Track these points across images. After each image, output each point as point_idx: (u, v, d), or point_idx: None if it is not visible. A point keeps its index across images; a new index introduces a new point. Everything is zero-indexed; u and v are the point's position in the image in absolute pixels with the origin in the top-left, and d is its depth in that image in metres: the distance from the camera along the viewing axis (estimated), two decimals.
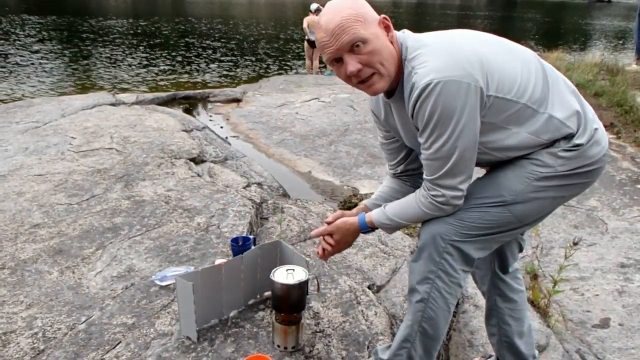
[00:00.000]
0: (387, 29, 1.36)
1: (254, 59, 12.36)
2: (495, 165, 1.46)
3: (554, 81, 1.40)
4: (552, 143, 1.37)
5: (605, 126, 1.49)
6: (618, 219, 3.37)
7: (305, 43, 10.30)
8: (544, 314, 2.40)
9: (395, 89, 1.42)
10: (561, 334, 2.27)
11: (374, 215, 1.55)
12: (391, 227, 1.54)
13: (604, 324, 2.37)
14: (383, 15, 1.37)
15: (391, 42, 1.36)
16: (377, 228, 1.57)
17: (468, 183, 1.40)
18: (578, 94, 1.44)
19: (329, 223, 1.65)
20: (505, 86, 1.32)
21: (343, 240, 1.63)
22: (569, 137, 1.36)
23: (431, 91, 1.26)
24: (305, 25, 10.18)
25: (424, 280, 1.45)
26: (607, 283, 2.66)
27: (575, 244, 2.28)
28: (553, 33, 23.25)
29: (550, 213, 1.51)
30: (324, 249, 1.67)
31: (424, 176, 1.42)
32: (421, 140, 1.36)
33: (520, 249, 1.69)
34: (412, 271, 1.51)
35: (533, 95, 1.34)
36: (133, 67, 10.42)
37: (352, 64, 1.32)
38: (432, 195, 1.39)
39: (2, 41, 12.59)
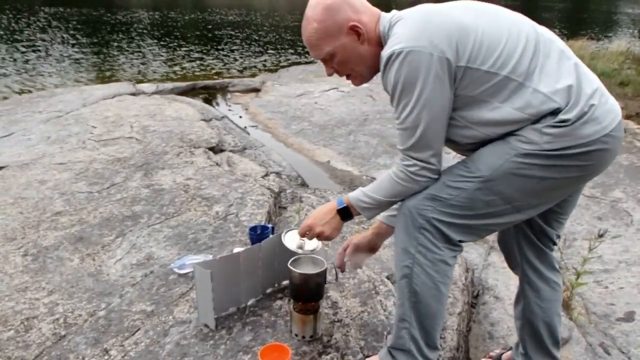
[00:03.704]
0: (357, 35, 1.40)
1: (273, 48, 12.32)
2: (480, 147, 1.40)
3: (547, 53, 1.31)
4: (538, 119, 1.28)
5: (629, 116, 1.42)
6: None
7: None
8: (566, 306, 2.36)
9: None
10: (584, 327, 2.23)
11: (351, 194, 1.54)
12: (368, 206, 1.49)
13: (629, 317, 2.32)
14: (352, 23, 1.39)
15: (366, 41, 1.41)
16: (355, 213, 1.54)
17: (439, 157, 1.39)
18: (580, 66, 1.34)
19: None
20: (480, 56, 1.28)
21: (317, 217, 1.58)
22: (556, 112, 1.26)
23: (393, 61, 1.30)
24: None
25: (405, 255, 1.43)
26: (632, 276, 2.60)
27: (600, 236, 2.23)
28: (577, 21, 22.74)
29: (550, 200, 1.41)
30: (320, 236, 1.63)
31: (397, 146, 1.42)
32: (393, 111, 1.38)
33: (553, 241, 1.62)
34: (395, 246, 1.49)
35: (518, 67, 1.28)
36: (153, 57, 10.48)
37: (327, 70, 1.50)
38: (405, 165, 1.39)
39: (26, 33, 12.75)
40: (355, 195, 1.52)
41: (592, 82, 1.33)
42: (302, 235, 1.65)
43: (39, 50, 10.55)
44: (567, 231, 3.02)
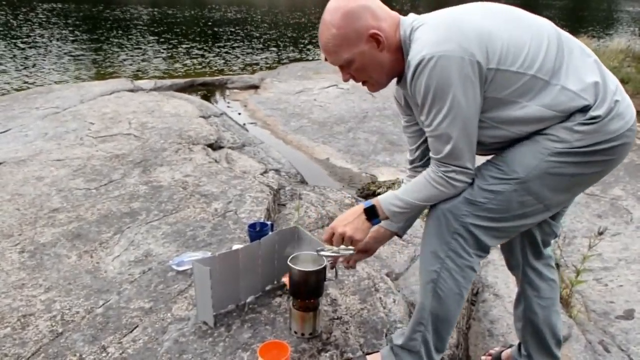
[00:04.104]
0: (377, 42, 1.36)
1: (271, 45, 12.29)
2: (506, 147, 1.40)
3: (570, 51, 1.32)
4: (567, 117, 1.29)
5: None
6: None
7: (323, 59, 10.19)
8: (566, 304, 2.35)
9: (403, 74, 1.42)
10: (583, 325, 2.22)
11: (381, 196, 1.50)
12: (400, 210, 1.46)
13: (628, 315, 2.31)
14: (372, 31, 1.34)
15: (385, 48, 1.37)
16: (383, 215, 1.48)
17: (474, 160, 1.37)
18: (600, 63, 1.35)
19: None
20: (509, 58, 1.27)
21: (340, 219, 1.53)
22: (585, 109, 1.27)
23: (424, 67, 1.25)
24: None
25: (433, 259, 1.42)
26: (632, 274, 2.59)
27: (600, 233, 2.22)
28: (577, 19, 22.73)
29: (574, 195, 1.43)
30: (331, 239, 1.57)
31: (431, 154, 1.39)
32: (422, 117, 1.35)
33: (555, 236, 1.63)
34: (422, 249, 1.47)
35: (544, 65, 1.27)
36: (151, 54, 10.44)
37: (343, 76, 1.44)
38: (443, 171, 1.36)
39: (25, 30, 12.70)
40: (386, 198, 1.48)
41: (613, 78, 1.35)
42: (328, 240, 1.57)
43: (38, 47, 10.52)
44: (567, 229, 3.01)
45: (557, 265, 2.67)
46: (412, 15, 1.41)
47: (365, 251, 1.75)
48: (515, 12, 1.37)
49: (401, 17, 1.41)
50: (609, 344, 2.12)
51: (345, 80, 1.45)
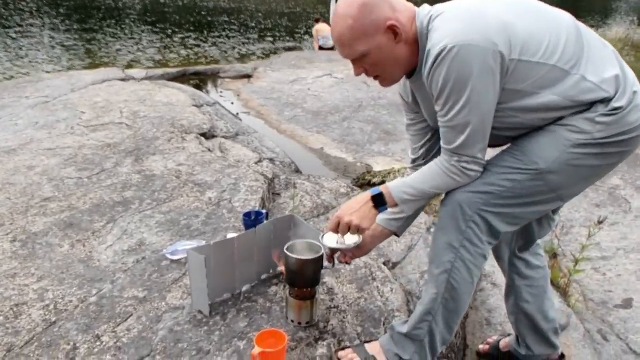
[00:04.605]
0: (394, 34, 1.31)
1: (267, 35, 12.20)
2: (519, 136, 1.38)
3: (589, 42, 1.30)
4: (587, 107, 1.27)
5: None
6: None
7: (316, 48, 10.19)
8: (564, 293, 2.34)
9: (415, 69, 1.39)
10: (582, 314, 2.22)
11: (390, 183, 1.46)
12: (411, 197, 1.42)
13: (626, 304, 2.31)
14: (390, 22, 1.29)
15: (402, 41, 1.32)
16: (391, 202, 1.44)
17: (485, 150, 1.35)
18: (617, 54, 1.34)
19: None
20: (531, 48, 1.24)
21: (346, 206, 1.49)
22: (606, 100, 1.26)
23: (445, 56, 1.20)
24: (314, 33, 10.22)
25: (448, 249, 1.40)
26: (630, 263, 2.59)
27: (600, 222, 2.20)
28: (576, 8, 22.71)
29: (587, 186, 1.42)
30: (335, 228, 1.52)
31: (442, 144, 1.36)
32: (437, 108, 1.31)
33: (550, 229, 1.62)
34: (435, 240, 1.45)
35: (563, 56, 1.25)
36: (146, 43, 10.33)
37: (355, 69, 1.39)
38: (456, 160, 1.34)
39: (15, 19, 12.52)
40: (396, 185, 1.44)
41: (629, 68, 1.34)
42: (334, 229, 1.52)
43: (30, 37, 10.37)
44: (565, 218, 3.00)
45: (555, 255, 2.67)
46: (426, 6, 1.36)
47: (361, 249, 1.70)
48: (533, 3, 1.35)
49: (417, 8, 1.37)
50: (608, 332, 2.12)
51: (357, 74, 1.40)
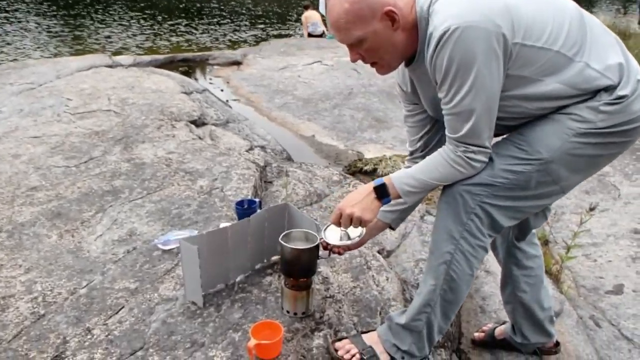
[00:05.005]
0: (392, 20, 1.27)
1: (255, 22, 12.05)
2: (522, 124, 1.36)
3: (592, 29, 1.28)
4: (592, 96, 1.25)
5: None
6: (631, 185, 3.30)
7: (306, 35, 10.10)
8: (556, 280, 2.35)
9: (414, 57, 1.35)
10: (574, 300, 2.23)
11: (393, 174, 1.43)
12: (414, 189, 1.39)
13: (618, 290, 2.32)
14: (388, 8, 1.25)
15: (400, 27, 1.28)
16: (394, 194, 1.41)
17: (491, 139, 1.32)
18: (621, 43, 1.32)
19: None
20: (535, 33, 1.21)
21: (348, 199, 1.45)
22: (610, 89, 1.24)
23: (448, 38, 1.17)
24: (303, 20, 10.15)
25: (448, 241, 1.38)
26: (621, 249, 2.61)
27: (592, 209, 2.20)
28: None
29: (587, 177, 1.40)
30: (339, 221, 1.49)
31: (447, 133, 1.32)
32: (441, 94, 1.28)
33: (546, 220, 1.61)
34: (435, 231, 1.43)
35: (567, 41, 1.23)
36: (136, 30, 10.15)
37: (352, 55, 1.36)
38: (462, 151, 1.30)
39: (3, 2, 12.23)
40: (398, 176, 1.41)
41: (633, 58, 1.32)
42: (336, 222, 1.49)
43: (16, 22, 10.14)
44: (556, 205, 3.00)
45: (547, 242, 2.68)
46: None
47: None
48: None
49: None
50: (600, 319, 2.13)
51: (354, 60, 1.37)
